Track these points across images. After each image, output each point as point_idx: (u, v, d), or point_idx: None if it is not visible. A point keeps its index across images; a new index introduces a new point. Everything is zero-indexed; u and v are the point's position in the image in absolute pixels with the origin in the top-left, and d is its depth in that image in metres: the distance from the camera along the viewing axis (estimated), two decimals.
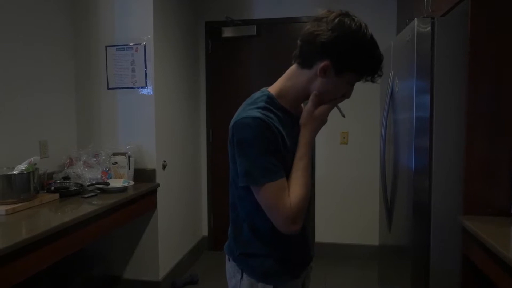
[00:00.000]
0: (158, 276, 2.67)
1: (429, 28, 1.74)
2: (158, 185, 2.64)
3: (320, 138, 3.37)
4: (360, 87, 3.36)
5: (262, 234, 1.10)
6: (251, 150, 0.98)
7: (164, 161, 2.74)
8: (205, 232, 3.62)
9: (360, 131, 3.34)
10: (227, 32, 3.50)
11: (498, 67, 1.63)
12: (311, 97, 1.05)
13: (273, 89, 1.09)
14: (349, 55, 1.00)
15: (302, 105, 1.16)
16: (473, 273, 1.66)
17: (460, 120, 1.72)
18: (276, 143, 0.99)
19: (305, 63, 1.04)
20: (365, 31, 1.04)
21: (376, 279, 2.83)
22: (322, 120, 1.08)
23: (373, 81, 1.07)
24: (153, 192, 2.60)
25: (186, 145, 3.18)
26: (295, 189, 1.01)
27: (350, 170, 3.37)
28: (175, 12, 2.98)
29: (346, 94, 1.08)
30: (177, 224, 2.98)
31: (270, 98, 1.06)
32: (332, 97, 1.06)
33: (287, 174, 1.03)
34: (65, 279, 2.23)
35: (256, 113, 0.99)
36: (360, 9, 3.25)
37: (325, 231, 3.43)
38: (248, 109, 1.02)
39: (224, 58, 3.54)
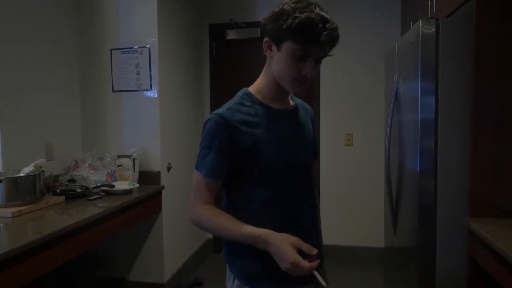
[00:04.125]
0: (163, 278, 2.68)
1: (433, 29, 1.73)
2: (163, 187, 2.64)
3: (324, 140, 3.37)
4: (364, 88, 3.37)
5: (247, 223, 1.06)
6: (202, 141, 1.08)
7: (169, 164, 2.75)
8: (209, 234, 3.62)
9: (364, 133, 3.33)
10: (231, 35, 3.51)
11: (504, 68, 1.62)
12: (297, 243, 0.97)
13: (252, 86, 1.15)
14: (277, 23, 1.00)
15: (290, 99, 1.18)
16: (479, 275, 1.65)
17: (465, 121, 1.71)
18: (225, 142, 1.04)
19: (264, 52, 1.08)
20: (296, 2, 1.01)
21: (381, 281, 2.81)
22: (280, 257, 0.96)
23: (322, 49, 1.01)
24: (158, 194, 2.61)
25: (191, 147, 3.19)
26: (214, 218, 1.06)
27: (355, 172, 3.36)
28: (179, 15, 3.00)
29: (303, 70, 1.02)
30: (182, 226, 2.99)
31: (246, 95, 1.12)
32: (292, 76, 1.03)
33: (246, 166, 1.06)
34: (71, 281, 2.24)
35: (221, 110, 1.07)
36: (364, 11, 3.26)
37: (330, 233, 3.40)
38: (222, 107, 1.09)
39: (228, 61, 3.54)
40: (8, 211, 1.78)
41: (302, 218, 1.14)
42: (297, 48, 0.99)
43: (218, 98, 3.55)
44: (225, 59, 3.55)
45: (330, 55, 1.05)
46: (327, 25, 0.99)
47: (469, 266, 1.69)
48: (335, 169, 3.39)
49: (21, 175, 1.91)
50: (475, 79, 1.64)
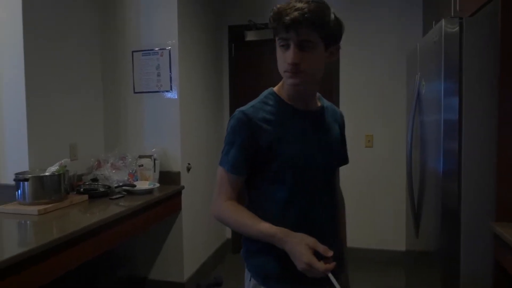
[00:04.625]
0: (183, 278, 2.70)
1: (457, 28, 1.70)
2: (183, 187, 2.67)
3: None
4: (385, 88, 3.32)
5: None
6: (226, 137, 1.11)
7: (189, 164, 2.78)
8: (228, 234, 3.64)
9: (385, 134, 3.29)
10: (250, 36, 3.52)
11: None
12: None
13: (277, 86, 1.16)
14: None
15: (318, 100, 1.18)
16: (506, 280, 1.60)
17: (490, 122, 1.66)
18: (246, 139, 1.06)
19: None
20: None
21: (402, 285, 2.77)
22: (295, 257, 0.97)
23: (288, 32, 0.99)
24: (178, 195, 2.64)
25: (210, 148, 3.21)
26: (235, 213, 1.08)
27: (375, 173, 3.32)
28: (199, 17, 3.03)
29: (287, 59, 1.02)
30: (201, 226, 3.01)
31: (270, 94, 1.14)
32: (283, 69, 1.04)
33: (267, 162, 1.07)
34: (93, 279, 2.29)
35: (245, 107, 1.10)
36: (385, 10, 3.21)
37: (350, 235, 3.37)
38: (247, 105, 1.12)
39: (247, 62, 3.56)
40: (34, 209, 1.83)
41: (319, 220, 1.13)
42: (277, 39, 1.03)
43: (237, 99, 3.57)
44: (244, 60, 3.56)
45: (307, 39, 0.99)
46: (291, 9, 0.98)
47: (495, 271, 1.64)
48: (355, 170, 3.35)
49: (46, 174, 1.97)
50: (501, 79, 1.60)
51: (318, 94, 1.20)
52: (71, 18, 2.46)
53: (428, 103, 1.98)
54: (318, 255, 0.95)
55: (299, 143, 1.09)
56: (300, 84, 1.05)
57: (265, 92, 1.15)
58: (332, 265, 0.95)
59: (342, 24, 1.07)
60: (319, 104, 1.18)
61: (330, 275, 0.94)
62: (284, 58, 1.02)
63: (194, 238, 2.87)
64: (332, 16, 1.02)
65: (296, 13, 0.96)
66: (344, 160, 1.32)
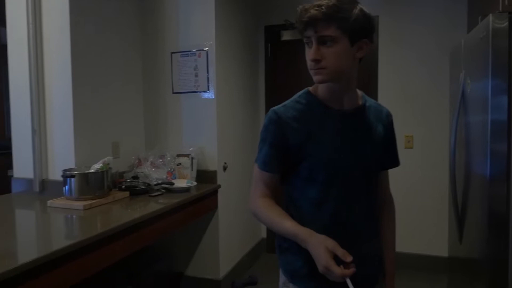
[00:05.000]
0: (219, 275, 2.74)
1: (506, 23, 1.61)
2: (219, 186, 2.71)
3: None
4: (426, 87, 3.20)
5: (296, 222, 1.08)
6: (260, 136, 1.14)
7: (225, 163, 2.81)
8: (263, 234, 3.65)
9: (426, 134, 3.17)
10: (286, 36, 3.51)
11: None
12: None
13: (313, 85, 1.16)
14: None
15: (358, 99, 1.15)
16: None
17: None
18: (276, 137, 1.09)
19: None
20: None
21: None
22: (315, 258, 0.98)
23: (308, 30, 1.02)
24: (214, 193, 2.68)
25: (246, 148, 3.23)
26: (267, 210, 1.10)
27: (416, 176, 3.21)
28: (236, 17, 3.06)
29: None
30: (236, 225, 3.04)
31: (304, 93, 1.15)
32: (308, 66, 1.05)
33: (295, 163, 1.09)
34: (134, 273, 2.36)
35: (277, 107, 1.13)
36: (427, 8, 3.10)
37: None
38: (280, 104, 1.15)
39: (283, 61, 3.55)
40: (80, 204, 1.92)
41: (354, 222, 1.11)
42: (304, 39, 1.05)
43: (273, 99, 3.57)
44: (280, 60, 3.56)
45: (327, 35, 0.99)
46: (312, 7, 0.99)
47: None
48: (394, 172, 3.24)
49: (91, 171, 2.05)
50: None
51: (360, 92, 1.18)
52: (114, 20, 2.56)
53: (474, 103, 1.89)
54: (339, 260, 0.94)
55: (331, 143, 1.08)
56: (325, 80, 1.04)
57: (300, 92, 1.16)
58: (350, 271, 0.93)
59: (371, 17, 1.04)
60: (359, 103, 1.15)
61: (348, 280, 0.93)
62: (308, 56, 1.03)
63: (229, 236, 2.91)
64: (357, 9, 1.00)
65: (313, 10, 0.98)
66: (392, 162, 1.26)
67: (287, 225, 1.05)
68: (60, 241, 1.62)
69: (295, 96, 1.15)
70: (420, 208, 3.21)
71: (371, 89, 3.25)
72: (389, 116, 1.23)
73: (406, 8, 3.13)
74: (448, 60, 2.53)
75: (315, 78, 1.04)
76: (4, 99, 4.46)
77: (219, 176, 2.73)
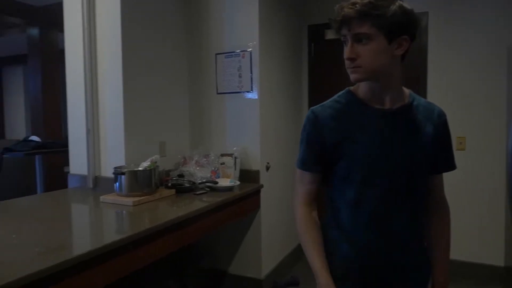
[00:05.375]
0: (261, 274, 2.76)
1: None
2: (262, 186, 2.72)
3: None
4: (480, 86, 3.03)
5: (335, 223, 1.13)
6: (300, 137, 1.17)
7: (268, 163, 2.82)
8: None
9: (480, 136, 2.99)
10: (330, 35, 3.46)
11: None
12: None
13: (355, 85, 1.14)
14: None
15: (405, 98, 1.12)
16: None
17: None
18: (312, 136, 1.12)
19: None
20: None
21: None
22: None
23: (341, 28, 1.03)
24: (257, 193, 2.70)
25: (289, 148, 3.22)
26: (306, 236, 1.15)
27: (468, 180, 3.03)
28: (279, 17, 3.06)
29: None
30: (279, 225, 3.04)
31: (345, 93, 1.15)
32: (346, 65, 1.05)
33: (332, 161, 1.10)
34: (179, 269, 2.43)
35: (316, 106, 1.14)
36: (482, 3, 2.93)
37: None
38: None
39: (327, 61, 3.50)
40: (129, 200, 2.01)
41: (395, 226, 1.07)
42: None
43: (316, 98, 3.52)
44: (324, 59, 3.51)
45: (361, 32, 0.98)
46: (346, 6, 0.99)
47: None
48: (445, 176, 3.11)
49: (140, 169, 2.14)
50: None
51: (408, 91, 1.14)
52: (162, 23, 2.65)
53: None
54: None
55: (369, 142, 1.06)
56: (361, 79, 1.03)
57: (341, 91, 1.16)
58: None
59: (411, 13, 1.00)
60: (405, 101, 1.11)
61: None
62: (344, 55, 1.03)
63: (272, 236, 2.91)
64: (395, 6, 0.97)
65: (347, 9, 0.98)
66: (446, 166, 1.18)
67: (315, 261, 1.09)
68: (111, 235, 1.71)
69: (335, 96, 1.16)
70: (472, 213, 3.03)
71: (420, 88, 3.12)
72: (441, 116, 1.15)
73: (458, 3, 2.98)
74: (506, 59, 2.37)
75: (351, 76, 1.04)
76: (62, 101, 4.76)
77: (261, 176, 2.74)
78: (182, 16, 2.85)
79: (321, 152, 1.10)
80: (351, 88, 1.14)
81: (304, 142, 1.15)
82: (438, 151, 1.13)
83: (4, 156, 3.83)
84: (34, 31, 5.44)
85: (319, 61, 3.54)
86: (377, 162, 1.06)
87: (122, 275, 1.54)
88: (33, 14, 5.29)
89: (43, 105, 5.44)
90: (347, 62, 1.02)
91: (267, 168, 2.82)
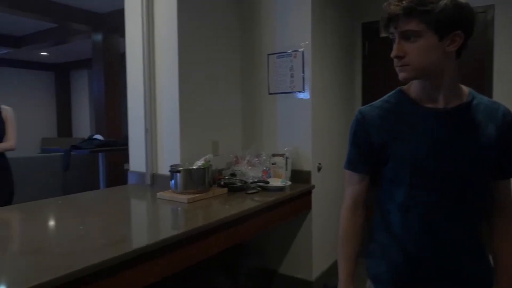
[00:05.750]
0: (311, 276, 2.73)
1: None
2: (313, 186, 2.70)
3: None
4: None
5: (384, 226, 1.10)
6: (348, 137, 1.17)
7: (319, 164, 2.79)
8: None
9: None
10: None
11: None
12: None
13: (408, 84, 1.11)
14: None
15: (462, 97, 1.05)
16: None
17: None
18: (359, 136, 1.11)
19: None
20: None
21: None
22: None
23: (388, 26, 1.01)
24: (308, 193, 2.68)
25: (341, 149, 3.16)
26: (343, 245, 1.19)
27: None
28: (332, 16, 3.01)
29: None
30: (330, 226, 2.99)
31: (396, 92, 1.12)
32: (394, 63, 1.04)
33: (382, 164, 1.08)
34: (230, 267, 2.48)
35: (364, 106, 1.14)
36: None
37: None
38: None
39: (381, 59, 3.37)
40: (184, 198, 2.08)
41: (449, 232, 1.01)
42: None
43: (370, 98, 3.40)
44: (378, 58, 3.39)
45: (408, 29, 0.96)
46: (392, 3, 0.97)
47: None
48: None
49: (194, 167, 2.21)
50: None
51: (467, 89, 1.07)
52: (216, 24, 2.72)
53: None
54: None
55: (420, 143, 1.01)
56: (410, 77, 1.01)
57: (393, 91, 1.13)
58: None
59: (465, 7, 0.94)
60: (463, 100, 1.04)
61: None
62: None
63: (323, 237, 2.87)
64: (445, 0, 0.92)
65: (393, 6, 0.95)
66: (510, 170, 1.07)
67: (342, 272, 1.17)
68: (167, 230, 1.79)
69: (386, 95, 1.13)
70: None
71: (485, 86, 2.92)
72: (507, 116, 1.05)
73: None
74: None
75: (399, 75, 1.01)
76: (122, 102, 5.04)
77: (313, 177, 2.71)
78: (235, 18, 2.90)
79: (368, 153, 1.09)
80: (403, 87, 1.11)
81: (351, 142, 1.15)
82: (502, 155, 1.04)
83: (72, 153, 4.14)
84: (98, 37, 5.81)
85: (373, 60, 3.43)
86: (427, 164, 1.01)
87: (176, 270, 1.59)
88: (97, 21, 5.66)
89: (105, 106, 5.81)
90: (395, 61, 1.01)
91: (319, 169, 2.79)
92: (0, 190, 2.85)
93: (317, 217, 2.77)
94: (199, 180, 2.18)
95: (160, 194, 2.19)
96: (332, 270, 3.00)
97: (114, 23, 5.49)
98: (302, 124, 2.73)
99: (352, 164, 1.15)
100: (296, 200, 2.51)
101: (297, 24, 2.72)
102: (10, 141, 2.87)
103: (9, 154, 2.96)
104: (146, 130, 2.54)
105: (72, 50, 8.23)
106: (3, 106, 2.91)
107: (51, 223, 1.88)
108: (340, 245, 1.18)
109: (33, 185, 4.70)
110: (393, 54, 1.00)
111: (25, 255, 1.36)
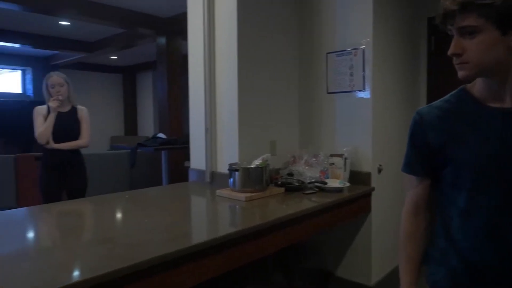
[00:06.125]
0: (370, 281, 2.64)
1: None
2: (373, 189, 2.61)
3: None
4: None
5: (444, 232, 1.05)
6: (407, 139, 1.13)
7: (380, 165, 2.69)
8: None
9: None
10: None
11: None
12: None
13: (473, 82, 1.05)
14: None
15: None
16: None
17: None
18: (417, 138, 1.08)
19: None
20: None
21: None
22: None
23: (445, 22, 0.97)
24: (367, 196, 2.60)
25: (403, 150, 3.02)
26: (403, 248, 1.15)
27: None
28: (395, 10, 2.88)
29: None
30: (391, 230, 2.87)
31: (458, 91, 1.07)
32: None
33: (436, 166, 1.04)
34: (287, 266, 2.48)
35: (422, 107, 1.10)
36: None
37: None
38: None
39: (448, 56, 3.19)
40: (242, 196, 2.12)
41: None
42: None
43: (435, 97, 3.19)
44: (445, 54, 3.19)
45: (467, 25, 0.90)
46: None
47: None
48: None
49: (252, 166, 2.24)
50: None
51: None
52: (275, 23, 2.74)
53: None
54: None
55: (484, 145, 0.94)
56: (470, 76, 0.95)
57: (455, 90, 1.08)
58: None
59: None
60: None
61: None
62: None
63: (383, 242, 2.77)
64: None
65: (448, 2, 0.91)
66: None
67: (404, 277, 1.12)
68: (225, 227, 1.83)
69: (447, 95, 1.09)
70: None
71: None
72: None
73: None
74: None
75: (459, 74, 0.97)
76: (184, 102, 5.24)
77: (373, 178, 2.63)
78: (294, 16, 2.90)
79: (426, 154, 1.06)
80: (467, 86, 1.05)
81: (408, 144, 1.12)
82: None
83: (138, 150, 4.40)
84: (162, 40, 6.11)
85: (440, 56, 3.23)
86: (490, 167, 0.95)
87: (233, 266, 1.62)
88: (161, 25, 5.96)
89: (168, 105, 6.10)
90: (453, 59, 0.98)
91: (379, 171, 2.69)
92: (76, 184, 3.10)
93: (377, 220, 2.68)
94: (257, 179, 2.20)
95: (219, 192, 2.25)
96: (393, 276, 2.88)
97: (177, 27, 5.75)
98: (361, 124, 2.65)
99: (409, 166, 1.12)
100: (355, 202, 2.45)
101: (357, 21, 2.64)
102: (84, 139, 3.11)
103: (83, 151, 3.21)
104: (206, 130, 2.62)
105: (138, 53, 8.74)
106: (79, 106, 3.16)
107: (119, 215, 2.02)
108: (401, 248, 1.15)
109: (103, 180, 5.06)
110: (450, 51, 0.96)
111: (97, 244, 1.47)
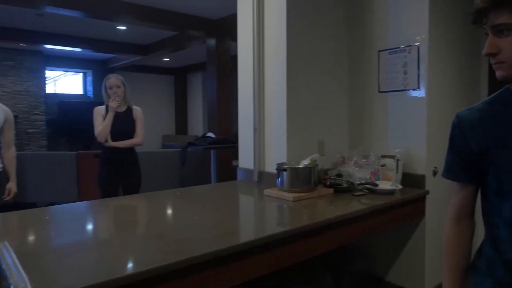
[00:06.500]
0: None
1: None
2: (427, 192, 2.49)
3: None
4: None
5: (491, 240, 1.00)
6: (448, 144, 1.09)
7: (435, 168, 2.56)
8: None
9: None
10: None
11: None
12: None
13: None
14: None
15: None
16: None
17: None
18: (456, 142, 1.04)
19: None
20: None
21: None
22: None
23: (479, 21, 0.90)
24: (421, 199, 2.48)
25: None
26: (446, 257, 1.11)
27: None
28: (453, 7, 2.72)
29: None
30: None
31: (503, 91, 1.00)
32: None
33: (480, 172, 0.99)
34: (335, 268, 2.44)
35: (462, 110, 1.06)
36: None
37: None
38: None
39: None
40: (290, 196, 2.11)
41: None
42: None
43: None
44: None
45: (502, 23, 0.85)
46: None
47: None
48: None
49: (301, 166, 2.23)
50: None
51: None
52: (324, 21, 2.70)
53: None
54: None
55: None
56: (507, 76, 0.89)
57: (498, 91, 1.01)
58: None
59: None
60: None
61: None
62: None
63: (438, 247, 2.63)
64: None
65: (480, 0, 0.86)
66: None
67: (446, 283, 1.08)
68: (273, 227, 1.84)
69: (490, 97, 1.02)
70: None
71: None
72: None
73: None
74: None
75: (496, 74, 0.92)
76: (233, 102, 5.33)
77: (427, 181, 2.50)
78: (344, 13, 2.84)
79: (467, 160, 1.02)
80: (511, 86, 0.98)
81: (449, 148, 1.08)
82: None
83: (188, 149, 4.54)
84: (212, 42, 6.25)
85: None
86: None
87: (281, 266, 1.62)
88: (211, 27, 6.10)
89: (217, 105, 6.23)
90: (490, 58, 0.93)
91: (434, 173, 2.56)
92: (131, 180, 3.26)
93: (431, 225, 2.55)
94: (305, 179, 2.19)
95: (267, 191, 2.26)
96: None
97: (226, 28, 5.85)
98: (415, 124, 2.54)
99: (450, 172, 1.09)
100: (408, 206, 2.35)
101: (412, 16, 2.53)
102: (138, 138, 3.26)
103: (137, 149, 3.37)
104: (255, 129, 2.64)
105: (188, 55, 9.02)
106: (134, 107, 3.32)
107: (171, 211, 2.09)
108: (443, 257, 1.12)
109: (155, 177, 5.27)
110: (484, 51, 0.92)
111: (150, 238, 1.54)
